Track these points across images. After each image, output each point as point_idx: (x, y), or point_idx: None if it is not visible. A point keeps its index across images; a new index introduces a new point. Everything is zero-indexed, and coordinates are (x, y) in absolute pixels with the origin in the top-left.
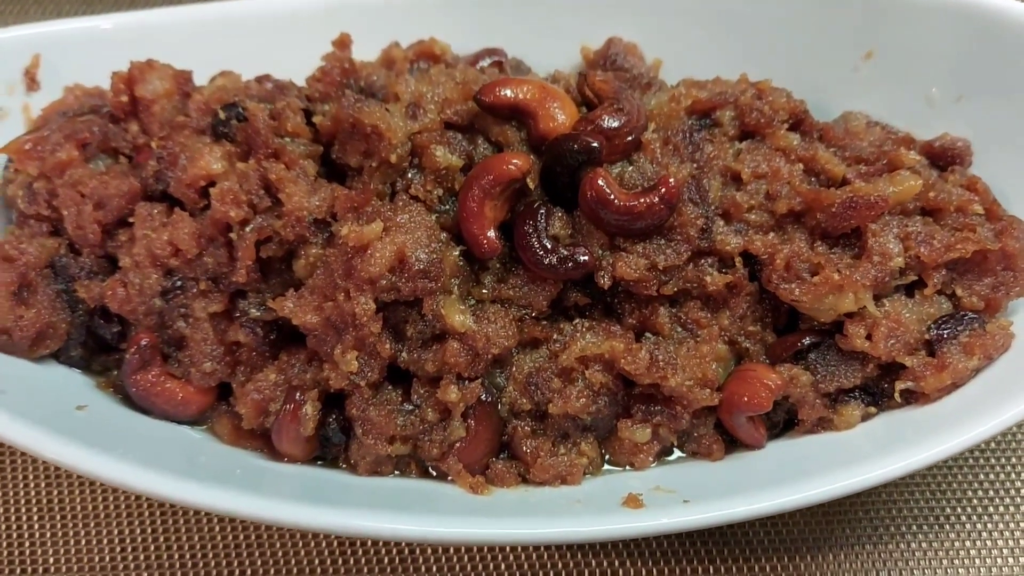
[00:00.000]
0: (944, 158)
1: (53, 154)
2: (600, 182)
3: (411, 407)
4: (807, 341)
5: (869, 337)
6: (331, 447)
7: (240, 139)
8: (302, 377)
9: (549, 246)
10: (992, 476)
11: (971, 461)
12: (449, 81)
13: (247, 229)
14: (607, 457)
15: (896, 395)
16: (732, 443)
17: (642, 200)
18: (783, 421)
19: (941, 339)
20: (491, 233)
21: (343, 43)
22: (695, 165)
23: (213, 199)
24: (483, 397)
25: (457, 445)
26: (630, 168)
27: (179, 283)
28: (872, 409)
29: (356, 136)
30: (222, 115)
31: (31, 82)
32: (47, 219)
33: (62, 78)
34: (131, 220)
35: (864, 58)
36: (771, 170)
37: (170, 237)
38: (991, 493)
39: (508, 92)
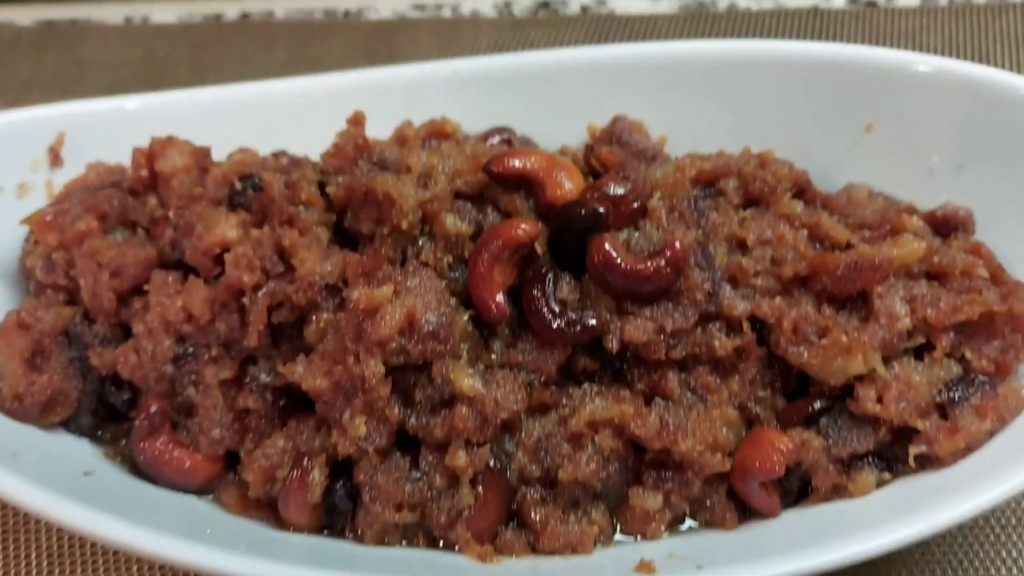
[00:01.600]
0: (947, 226)
1: (73, 225)
2: (607, 246)
3: (419, 474)
4: (818, 405)
5: (880, 400)
6: (338, 515)
7: (255, 208)
8: (310, 444)
9: (557, 310)
10: (1016, 553)
11: (992, 537)
12: (459, 154)
13: (259, 294)
14: (619, 527)
15: (910, 460)
16: (745, 513)
17: (649, 264)
18: (797, 489)
19: (953, 402)
20: (500, 297)
21: (357, 120)
22: (700, 231)
23: (227, 264)
24: (492, 463)
25: (465, 513)
26: (636, 234)
27: (191, 350)
28: (887, 475)
29: (368, 203)
30: (239, 186)
31: (55, 159)
32: (63, 288)
33: (85, 156)
34: (146, 288)
35: (865, 130)
36: (776, 236)
37: (183, 303)
38: (1015, 571)
39: (516, 162)
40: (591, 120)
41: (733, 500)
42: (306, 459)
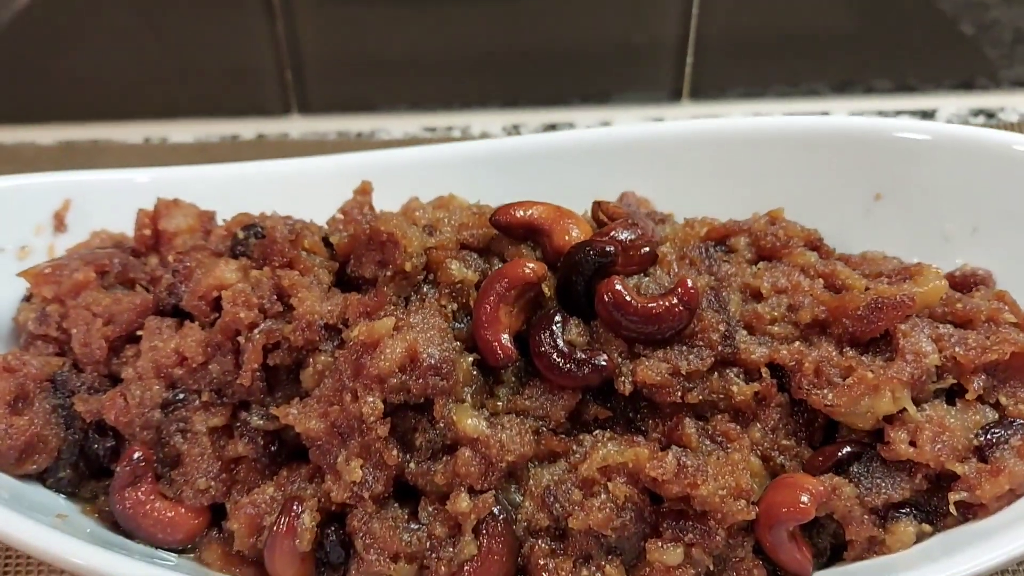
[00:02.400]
0: (966, 286)
1: (70, 276)
2: (618, 286)
3: (418, 525)
4: (847, 451)
5: (913, 444)
6: (328, 568)
7: (257, 255)
8: (302, 492)
9: (566, 351)
10: None
11: None
12: (466, 210)
13: (256, 332)
14: None
15: (951, 507)
16: (775, 573)
17: (661, 302)
18: (829, 547)
19: (991, 444)
20: (506, 339)
21: (364, 190)
22: (713, 278)
23: (224, 301)
24: (496, 511)
25: (468, 565)
26: (646, 279)
27: (181, 396)
28: (927, 527)
29: (372, 248)
30: (241, 235)
31: (59, 224)
32: (54, 340)
33: (91, 224)
34: (139, 333)
35: (875, 200)
36: (791, 285)
37: (176, 346)
38: None
39: (521, 212)
40: (598, 197)
41: (761, 558)
42: (296, 504)
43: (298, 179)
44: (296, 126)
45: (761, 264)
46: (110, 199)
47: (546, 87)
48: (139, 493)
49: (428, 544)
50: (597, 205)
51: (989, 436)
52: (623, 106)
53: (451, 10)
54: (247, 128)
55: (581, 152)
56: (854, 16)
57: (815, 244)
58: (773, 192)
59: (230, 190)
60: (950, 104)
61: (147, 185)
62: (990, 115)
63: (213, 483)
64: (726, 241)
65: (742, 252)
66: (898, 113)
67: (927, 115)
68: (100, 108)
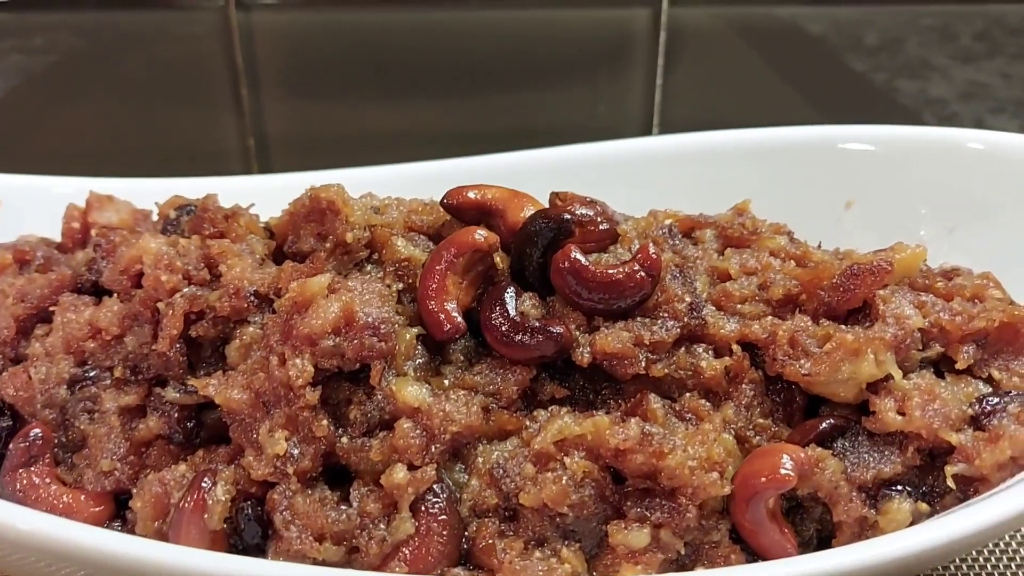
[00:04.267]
0: (947, 279)
1: None
2: (575, 253)
3: (347, 506)
4: (829, 423)
5: (902, 413)
6: (242, 552)
7: (187, 229)
8: (218, 469)
9: (518, 321)
10: None
11: None
12: (416, 200)
13: (177, 297)
14: None
15: (949, 481)
16: (754, 559)
17: (621, 268)
18: (816, 535)
19: (987, 413)
20: (452, 308)
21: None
22: (678, 256)
23: (144, 267)
24: (438, 488)
25: (404, 548)
26: (606, 256)
27: (91, 372)
28: (924, 505)
29: (312, 218)
30: (173, 215)
31: None
32: None
33: (21, 228)
34: (52, 309)
35: (845, 207)
36: (761, 265)
37: (90, 317)
38: None
39: (473, 194)
40: None
41: (739, 544)
42: (207, 477)
43: (248, 196)
44: None
45: (728, 251)
46: (41, 205)
47: None
48: (33, 475)
49: (358, 523)
50: (555, 194)
51: (984, 405)
52: None
53: (416, 90)
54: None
55: (547, 169)
56: (816, 109)
57: (785, 234)
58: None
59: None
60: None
61: (79, 194)
62: None
63: (119, 465)
64: (692, 233)
65: (708, 243)
66: None
67: None
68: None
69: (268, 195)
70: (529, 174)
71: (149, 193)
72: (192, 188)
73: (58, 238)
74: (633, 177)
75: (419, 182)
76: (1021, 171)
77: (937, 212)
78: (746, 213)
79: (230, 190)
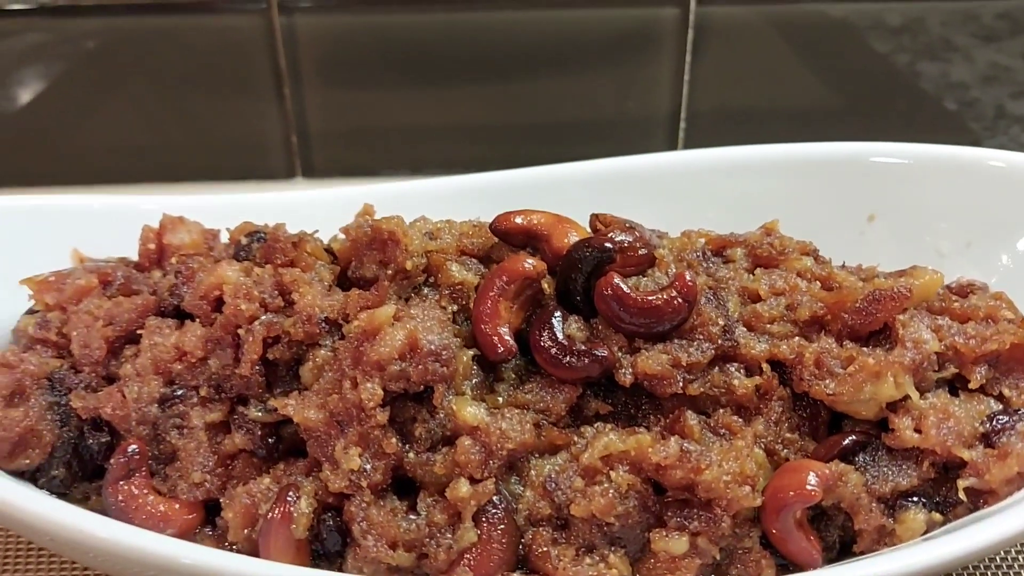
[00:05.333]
0: (963, 296)
1: (73, 283)
2: (616, 280)
3: (416, 516)
4: (851, 439)
5: (919, 430)
6: (324, 558)
7: (259, 257)
8: (299, 482)
9: (566, 344)
10: None
11: None
12: (467, 223)
13: (256, 324)
14: None
15: (960, 494)
16: (784, 568)
17: (660, 295)
18: (838, 541)
19: (997, 431)
20: (505, 332)
21: (368, 212)
22: (711, 279)
23: (225, 295)
24: (496, 499)
25: (468, 554)
26: (644, 280)
27: (179, 392)
28: (937, 516)
29: (373, 247)
30: (244, 241)
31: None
32: (53, 345)
33: (98, 247)
34: (140, 333)
35: (868, 221)
36: (789, 287)
37: (177, 341)
38: None
39: (521, 219)
40: None
41: (768, 550)
42: (292, 491)
43: (300, 209)
44: (300, 190)
45: (758, 271)
46: (116, 224)
47: (542, 155)
48: (132, 486)
49: (427, 532)
50: (595, 216)
51: (995, 423)
52: None
53: (450, 82)
54: (253, 191)
55: (581, 183)
56: (840, 94)
57: (811, 253)
58: (769, 217)
59: (232, 218)
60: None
61: (152, 212)
62: None
63: (208, 477)
64: (723, 252)
65: (739, 262)
66: None
67: None
68: (111, 172)
69: (315, 209)
70: (565, 187)
71: (209, 208)
72: (249, 204)
73: (129, 252)
74: (663, 190)
75: (460, 195)
76: None
77: (956, 227)
78: (774, 233)
79: (280, 204)
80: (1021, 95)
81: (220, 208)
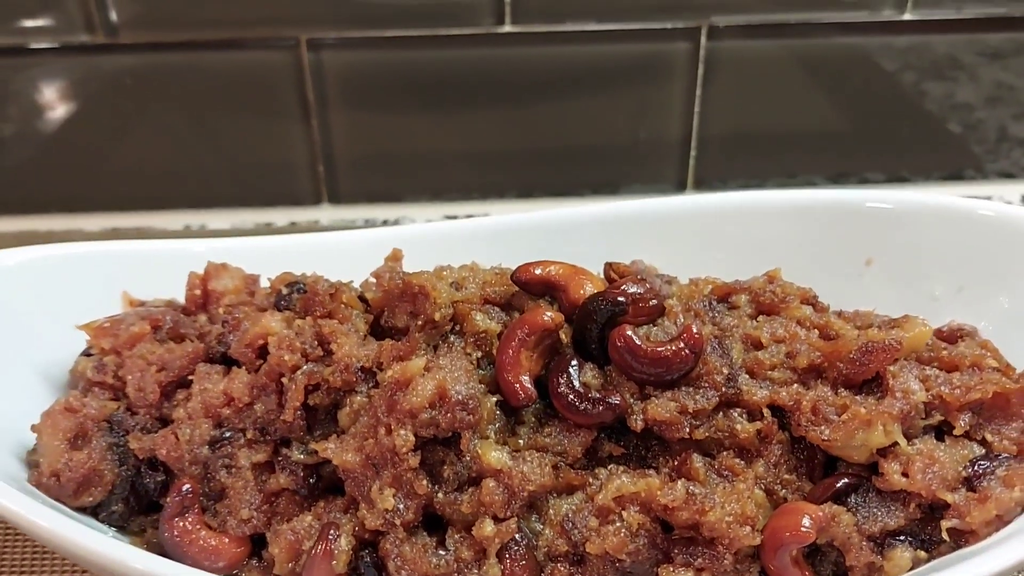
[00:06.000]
0: (952, 340)
1: (127, 329)
2: (629, 332)
3: (445, 551)
4: (844, 482)
5: (906, 474)
6: None
7: (299, 308)
8: (338, 520)
9: (582, 391)
10: None
11: None
12: (489, 271)
13: (298, 374)
14: None
15: (944, 534)
16: None
17: (668, 347)
18: (831, 574)
19: (979, 475)
20: (526, 380)
21: (395, 257)
22: (717, 328)
23: (270, 346)
24: (518, 537)
25: None
26: (655, 329)
27: (227, 434)
28: (922, 553)
29: (404, 299)
30: (285, 291)
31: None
32: (110, 387)
33: (144, 288)
34: (190, 379)
35: (866, 265)
36: (789, 335)
37: (225, 387)
38: None
39: (540, 270)
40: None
41: None
42: (333, 529)
43: (333, 250)
44: (326, 215)
45: (761, 318)
46: (162, 267)
47: (559, 179)
48: (186, 523)
49: (455, 567)
50: (608, 266)
51: (976, 468)
52: (630, 196)
53: (470, 111)
54: (280, 216)
55: (594, 225)
56: (847, 117)
57: (810, 301)
58: (772, 260)
59: (271, 259)
60: (940, 194)
61: (198, 254)
62: None
63: (255, 514)
64: (728, 298)
65: (743, 308)
66: None
67: None
68: (143, 198)
69: (345, 250)
70: (582, 227)
71: (249, 250)
72: (286, 246)
73: (174, 292)
74: (673, 231)
75: (478, 237)
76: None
77: (948, 272)
78: (776, 280)
79: (315, 246)
80: (1023, 116)
81: (258, 249)
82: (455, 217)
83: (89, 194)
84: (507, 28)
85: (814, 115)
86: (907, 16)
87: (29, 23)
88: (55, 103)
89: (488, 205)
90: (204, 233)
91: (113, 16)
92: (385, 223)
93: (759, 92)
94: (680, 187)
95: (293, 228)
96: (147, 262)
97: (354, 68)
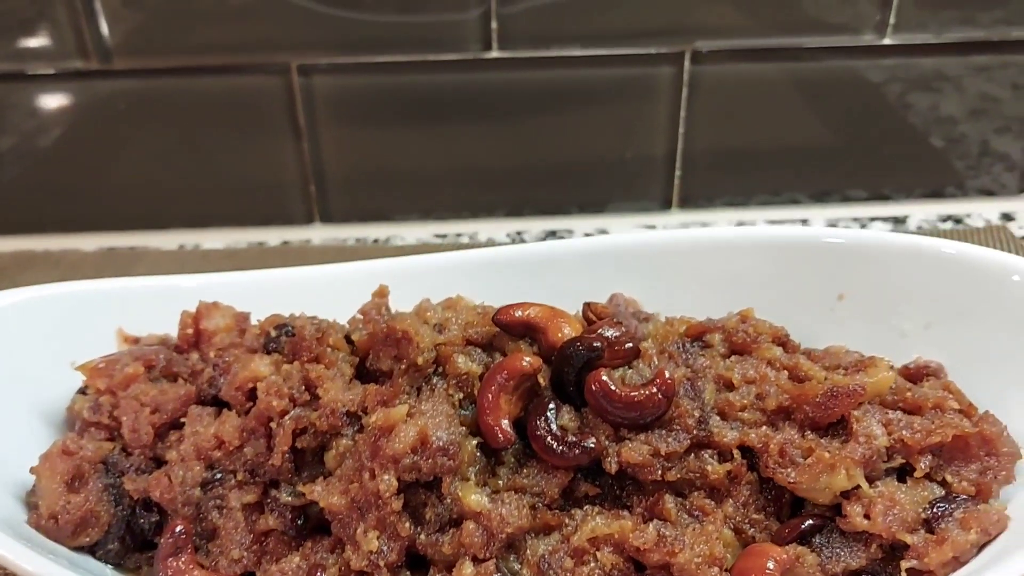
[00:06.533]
0: (919, 377)
1: (122, 370)
2: (604, 377)
3: None
4: (809, 523)
5: (867, 516)
6: None
7: (287, 351)
8: (324, 561)
9: (559, 435)
10: None
11: None
12: (471, 311)
13: (286, 419)
14: None
15: (903, 574)
16: None
17: (642, 391)
18: None
19: (938, 517)
20: (505, 424)
21: (382, 293)
22: (689, 370)
23: (259, 392)
24: None
25: None
26: (630, 371)
27: (218, 476)
28: None
29: (388, 343)
30: (273, 333)
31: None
32: (105, 427)
33: (137, 323)
34: (183, 420)
35: (838, 300)
36: (759, 376)
37: (216, 431)
38: None
39: (520, 312)
40: (590, 299)
41: None
42: (319, 571)
43: (322, 283)
44: (318, 234)
45: (733, 357)
46: (155, 303)
47: (547, 198)
48: (180, 562)
49: None
50: (587, 306)
51: (935, 510)
52: (617, 214)
53: (459, 131)
54: (273, 236)
55: (576, 258)
56: (831, 133)
57: (782, 340)
58: (747, 294)
59: (261, 293)
60: (921, 211)
61: (188, 289)
62: (958, 220)
63: (246, 553)
64: (702, 337)
65: (716, 347)
66: (872, 219)
67: (899, 221)
68: (138, 218)
69: (334, 283)
70: (564, 261)
71: (240, 284)
72: (276, 279)
73: (167, 327)
74: (651, 265)
75: (460, 270)
76: (985, 278)
77: (915, 309)
78: (749, 320)
79: (303, 280)
80: (1005, 130)
81: (249, 284)
82: (444, 236)
83: (85, 214)
84: (494, 54)
85: (797, 134)
86: (887, 41)
87: (25, 49)
88: (51, 126)
89: (478, 224)
90: (196, 255)
91: (107, 42)
92: (376, 242)
93: (742, 112)
94: (666, 205)
95: (285, 248)
96: (140, 299)
97: (344, 92)
